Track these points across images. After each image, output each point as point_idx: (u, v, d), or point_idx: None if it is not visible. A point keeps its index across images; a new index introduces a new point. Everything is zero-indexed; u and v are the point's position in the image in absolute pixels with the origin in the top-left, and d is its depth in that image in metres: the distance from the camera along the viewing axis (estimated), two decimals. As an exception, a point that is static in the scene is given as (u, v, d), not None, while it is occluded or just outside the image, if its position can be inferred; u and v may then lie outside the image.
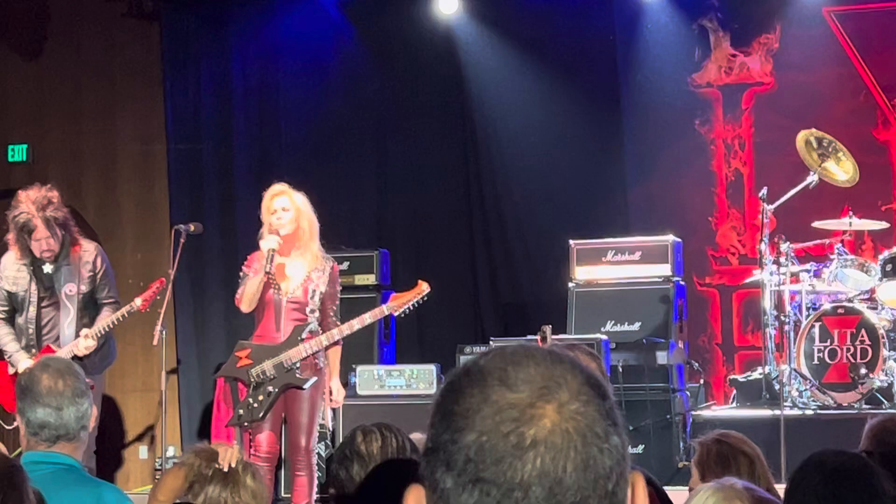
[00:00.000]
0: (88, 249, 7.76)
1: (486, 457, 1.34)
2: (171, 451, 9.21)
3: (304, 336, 7.03)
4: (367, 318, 7.14)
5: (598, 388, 1.40)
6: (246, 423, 7.06)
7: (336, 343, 7.16)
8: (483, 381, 1.38)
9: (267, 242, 7.08)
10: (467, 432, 1.36)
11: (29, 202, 7.50)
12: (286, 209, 7.13)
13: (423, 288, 7.21)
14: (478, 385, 1.38)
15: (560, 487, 1.34)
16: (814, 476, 3.31)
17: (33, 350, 7.58)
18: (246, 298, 7.15)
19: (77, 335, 7.62)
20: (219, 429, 7.24)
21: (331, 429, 8.16)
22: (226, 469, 3.58)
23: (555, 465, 1.34)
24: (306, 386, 6.99)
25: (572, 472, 1.34)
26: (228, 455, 3.60)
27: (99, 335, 7.59)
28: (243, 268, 7.28)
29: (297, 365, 7.02)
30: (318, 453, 7.27)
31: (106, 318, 7.62)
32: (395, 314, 7.35)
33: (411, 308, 7.28)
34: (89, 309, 7.71)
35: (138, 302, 7.57)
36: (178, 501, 3.68)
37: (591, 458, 1.35)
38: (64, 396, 3.79)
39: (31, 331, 7.66)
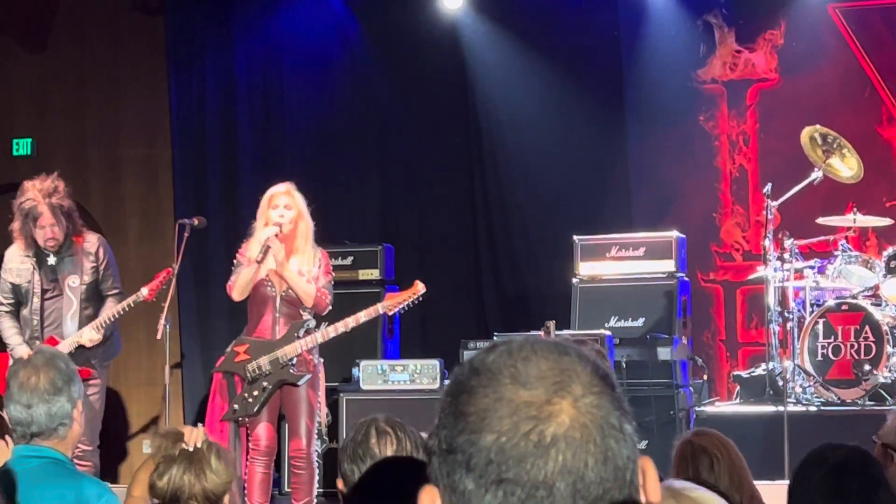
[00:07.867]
0: (91, 241, 7.79)
1: (508, 457, 1.34)
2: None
3: (300, 334, 7.08)
4: (363, 316, 7.17)
5: (607, 378, 1.40)
6: (241, 418, 7.10)
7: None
8: (495, 380, 1.37)
9: (266, 231, 7.11)
10: (485, 433, 1.35)
11: (35, 190, 7.57)
12: (289, 207, 7.18)
13: (419, 288, 7.23)
14: (490, 384, 1.37)
15: (583, 482, 1.34)
16: (816, 472, 3.31)
17: (37, 342, 7.59)
18: (238, 287, 7.20)
19: (80, 326, 7.64)
20: (213, 422, 7.27)
21: (327, 423, 8.15)
22: (191, 449, 3.56)
23: (576, 460, 1.34)
24: (300, 382, 7.05)
25: (593, 466, 1.34)
26: (194, 436, 3.59)
27: (103, 326, 7.61)
28: (238, 256, 7.32)
29: (293, 361, 7.07)
30: (316, 450, 7.28)
31: (110, 310, 7.65)
32: (391, 313, 7.36)
33: (407, 308, 7.32)
34: (93, 300, 7.73)
35: (144, 291, 7.60)
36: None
37: (609, 450, 1.35)
38: (35, 394, 3.76)
39: (35, 322, 7.68)
